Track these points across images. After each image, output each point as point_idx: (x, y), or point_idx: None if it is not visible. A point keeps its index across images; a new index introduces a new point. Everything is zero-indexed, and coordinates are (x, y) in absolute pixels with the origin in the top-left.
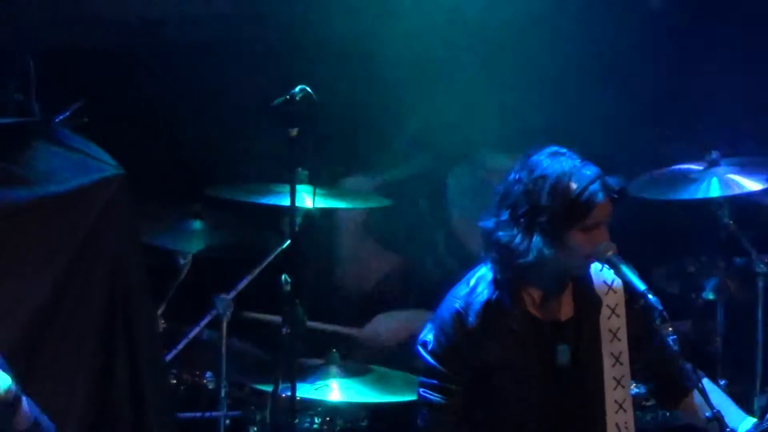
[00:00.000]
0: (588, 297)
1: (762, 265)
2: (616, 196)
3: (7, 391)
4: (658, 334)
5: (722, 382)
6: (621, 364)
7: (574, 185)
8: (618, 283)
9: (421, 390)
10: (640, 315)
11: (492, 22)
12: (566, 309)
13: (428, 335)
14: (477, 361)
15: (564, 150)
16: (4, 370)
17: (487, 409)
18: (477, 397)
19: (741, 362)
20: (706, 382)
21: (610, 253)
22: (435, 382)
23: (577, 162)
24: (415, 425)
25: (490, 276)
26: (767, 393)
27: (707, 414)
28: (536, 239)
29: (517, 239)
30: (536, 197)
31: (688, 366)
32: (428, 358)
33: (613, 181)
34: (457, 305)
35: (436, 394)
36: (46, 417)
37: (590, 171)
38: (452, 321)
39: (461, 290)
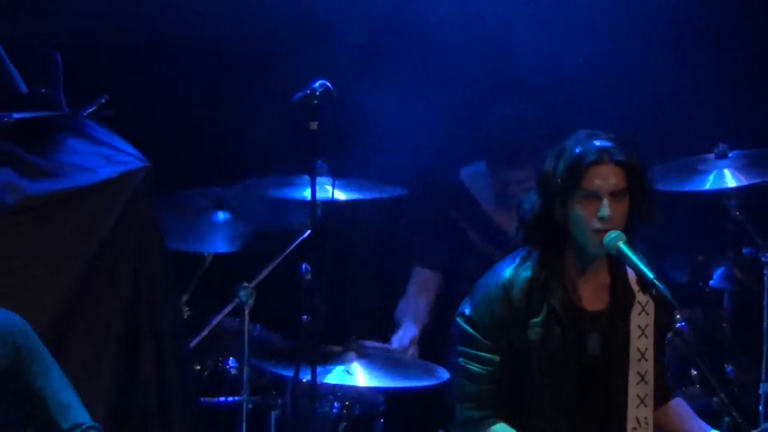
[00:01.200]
0: (622, 292)
1: (767, 256)
2: (614, 163)
3: None
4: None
5: (729, 369)
6: (646, 360)
7: (576, 149)
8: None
9: (459, 359)
10: (665, 315)
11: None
12: (602, 301)
13: (469, 306)
14: (517, 336)
15: (592, 131)
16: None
17: (518, 388)
18: (511, 375)
19: (748, 349)
20: (680, 401)
21: (619, 242)
22: (474, 351)
23: (600, 134)
24: (453, 394)
25: (534, 255)
26: None
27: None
28: (557, 207)
29: (538, 207)
30: (551, 164)
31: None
32: (468, 328)
33: (616, 150)
34: (503, 278)
35: (474, 364)
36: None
37: (596, 139)
38: (497, 293)
39: (507, 264)
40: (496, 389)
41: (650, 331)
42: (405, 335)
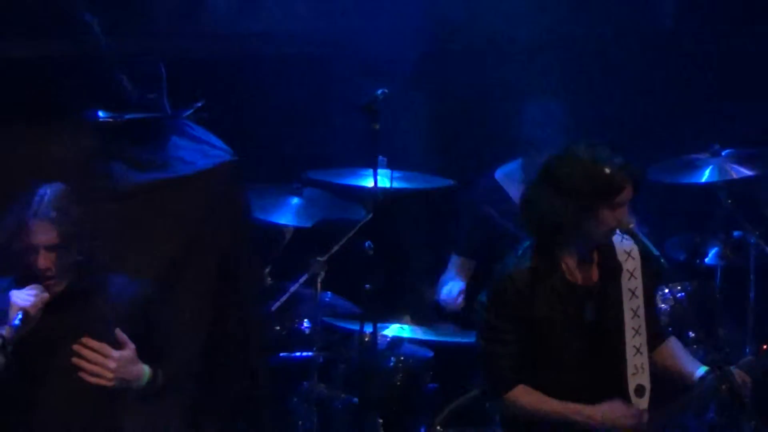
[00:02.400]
0: (611, 264)
1: (754, 238)
2: (636, 180)
3: (147, 381)
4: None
5: (721, 332)
6: (638, 316)
7: (606, 170)
8: (635, 250)
9: (481, 340)
10: (651, 276)
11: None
12: (594, 274)
13: (485, 296)
14: (527, 316)
15: (597, 142)
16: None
17: (534, 359)
18: (527, 349)
19: (736, 316)
20: (673, 339)
21: (630, 226)
22: (492, 334)
23: (608, 151)
24: (479, 371)
25: (529, 248)
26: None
27: (701, 370)
28: (572, 209)
29: (557, 208)
30: (573, 178)
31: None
32: (485, 314)
33: (636, 169)
34: (508, 272)
35: (494, 343)
36: (180, 363)
37: (619, 159)
38: (505, 285)
39: (511, 259)
40: (512, 361)
41: (639, 292)
42: (453, 287)
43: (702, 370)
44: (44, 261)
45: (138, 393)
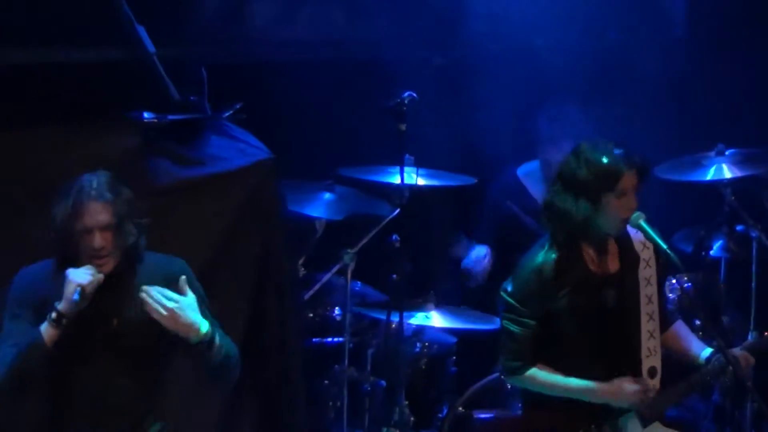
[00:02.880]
0: (629, 254)
1: (756, 232)
2: (638, 167)
3: (206, 333)
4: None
5: (725, 319)
6: (652, 303)
7: (605, 159)
8: (641, 240)
9: (504, 322)
10: (662, 266)
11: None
12: (613, 264)
13: (511, 284)
14: (549, 304)
15: (604, 140)
16: (202, 314)
17: (552, 340)
18: (548, 335)
19: (738, 305)
20: (680, 323)
21: (640, 220)
22: (514, 317)
23: (610, 144)
24: (499, 349)
25: (556, 241)
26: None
27: (706, 351)
28: (582, 203)
29: (569, 205)
30: (579, 171)
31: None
32: (510, 300)
33: (636, 156)
34: (536, 263)
35: (515, 326)
36: (229, 340)
37: (619, 150)
38: (531, 275)
39: (537, 251)
40: (531, 345)
41: (654, 280)
42: (479, 252)
43: (707, 351)
44: (100, 240)
45: (189, 350)
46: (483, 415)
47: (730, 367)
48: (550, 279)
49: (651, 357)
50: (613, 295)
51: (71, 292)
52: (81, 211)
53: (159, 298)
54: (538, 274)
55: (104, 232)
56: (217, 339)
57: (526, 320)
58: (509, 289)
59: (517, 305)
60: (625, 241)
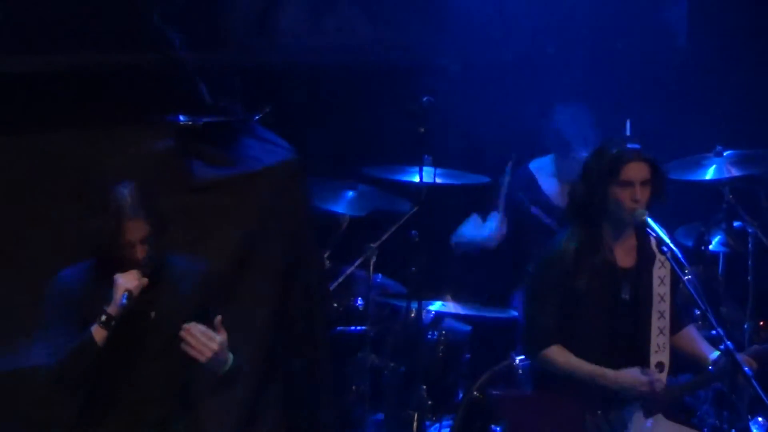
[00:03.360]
0: (646, 252)
1: (753, 228)
2: (645, 160)
3: (231, 368)
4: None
5: (723, 310)
6: (664, 301)
7: (613, 150)
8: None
9: (526, 303)
10: (678, 269)
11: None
12: (631, 259)
13: (534, 266)
14: (569, 288)
15: (626, 137)
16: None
17: (571, 327)
18: (566, 319)
19: (737, 297)
20: (692, 327)
21: (644, 217)
22: (536, 299)
23: (622, 140)
24: (521, 327)
25: (578, 230)
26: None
27: (713, 356)
28: (596, 191)
29: (585, 192)
30: (593, 160)
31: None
32: (533, 282)
33: (643, 150)
34: (558, 248)
35: (537, 308)
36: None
37: (632, 144)
38: (553, 258)
39: (561, 237)
40: (551, 324)
41: (667, 281)
42: (494, 218)
43: (715, 354)
44: (141, 251)
45: (216, 377)
46: (498, 391)
47: (736, 370)
48: (571, 263)
49: (659, 353)
50: (627, 288)
51: (119, 296)
52: (122, 229)
53: (204, 341)
54: (560, 258)
55: (143, 245)
56: (238, 369)
57: (547, 301)
58: (532, 271)
59: (540, 287)
60: (643, 239)
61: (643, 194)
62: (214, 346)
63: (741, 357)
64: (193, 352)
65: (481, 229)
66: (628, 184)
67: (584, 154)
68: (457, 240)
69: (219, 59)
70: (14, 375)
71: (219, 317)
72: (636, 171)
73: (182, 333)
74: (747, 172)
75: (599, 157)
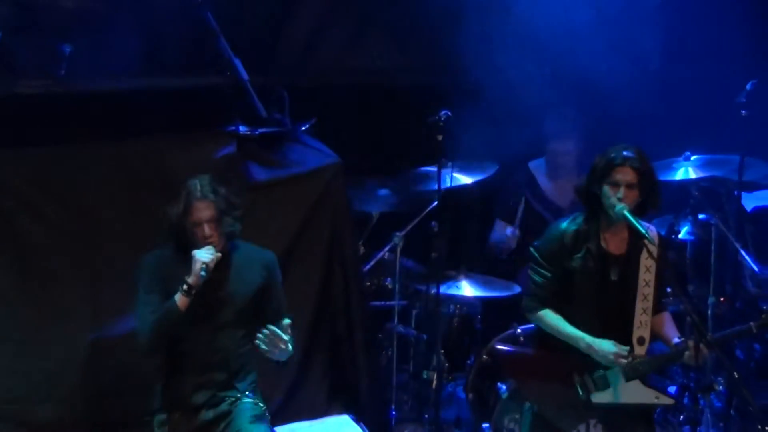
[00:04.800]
0: (636, 242)
1: (715, 219)
2: (632, 167)
3: (291, 354)
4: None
5: (691, 288)
6: (648, 286)
7: (611, 154)
8: (654, 236)
9: (530, 271)
10: (665, 262)
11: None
12: (622, 246)
13: (539, 241)
14: (566, 264)
15: (627, 144)
16: (278, 305)
17: (565, 301)
18: (561, 292)
19: (701, 276)
20: (667, 314)
21: (624, 211)
22: (538, 268)
23: (626, 147)
24: (524, 291)
25: (581, 217)
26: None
27: (677, 339)
28: (594, 187)
29: (587, 187)
30: (595, 162)
31: (664, 301)
32: (536, 253)
33: (635, 158)
34: (560, 229)
35: (537, 275)
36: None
37: (628, 151)
38: (555, 236)
39: (564, 221)
40: (547, 290)
41: (653, 269)
42: (505, 230)
43: (677, 339)
44: (208, 230)
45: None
46: (503, 347)
47: (690, 352)
48: (569, 243)
49: (641, 329)
50: (616, 271)
51: (198, 268)
52: (191, 209)
53: (276, 342)
54: (560, 237)
55: (210, 223)
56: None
57: (545, 271)
58: (537, 245)
59: (541, 259)
60: (635, 233)
61: (628, 195)
62: (282, 346)
63: (693, 343)
64: (266, 348)
65: (503, 233)
66: (616, 184)
67: (553, 146)
68: (491, 244)
69: (272, 80)
70: (127, 337)
71: (289, 321)
72: (623, 174)
73: (259, 335)
74: (710, 173)
75: (600, 159)
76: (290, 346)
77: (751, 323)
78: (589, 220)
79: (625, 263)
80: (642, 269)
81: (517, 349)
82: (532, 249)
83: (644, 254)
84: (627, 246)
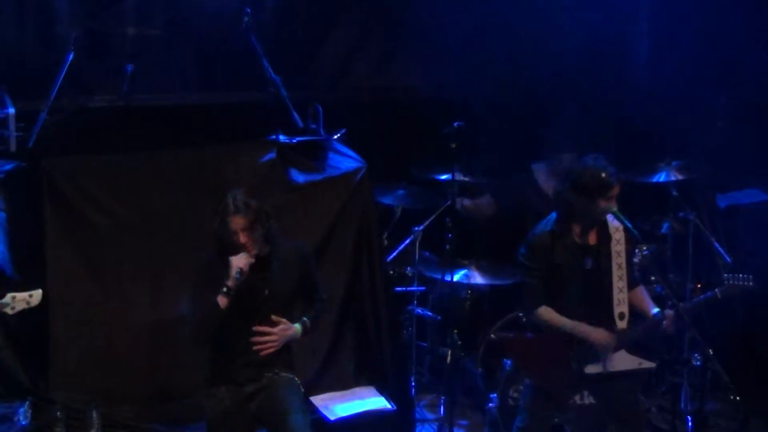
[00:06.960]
0: (605, 233)
1: (692, 216)
2: (621, 182)
3: (297, 331)
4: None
5: (671, 276)
6: (621, 268)
7: (603, 174)
8: (620, 225)
9: (521, 276)
10: (631, 243)
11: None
12: (593, 238)
13: (523, 247)
14: (550, 261)
15: (598, 155)
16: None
17: (552, 291)
18: (551, 287)
19: (681, 266)
20: (642, 287)
21: (613, 209)
22: (528, 271)
23: (606, 162)
24: (520, 292)
25: (552, 220)
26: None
27: (655, 310)
28: (582, 200)
29: (572, 199)
30: (584, 179)
31: (637, 276)
32: (523, 260)
33: (621, 175)
34: (537, 233)
35: (528, 276)
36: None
37: (612, 168)
38: (536, 239)
39: (542, 224)
40: (540, 290)
41: (623, 253)
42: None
43: (655, 310)
44: (243, 238)
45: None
46: (504, 334)
47: (665, 322)
48: (548, 243)
49: (620, 305)
50: (591, 260)
51: (234, 272)
52: (228, 222)
53: (264, 339)
54: (539, 239)
55: (244, 233)
56: (307, 323)
57: (534, 272)
58: (522, 251)
59: (528, 262)
60: (603, 224)
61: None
62: (275, 338)
63: (668, 313)
64: (264, 347)
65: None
66: (611, 198)
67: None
68: (463, 206)
69: (309, 95)
70: (179, 323)
71: (279, 322)
72: (617, 190)
73: (252, 339)
74: (688, 176)
75: (593, 179)
76: (295, 329)
77: (716, 289)
78: (562, 221)
79: (596, 252)
80: (614, 254)
81: (515, 335)
82: (519, 257)
83: (613, 242)
84: (597, 238)
